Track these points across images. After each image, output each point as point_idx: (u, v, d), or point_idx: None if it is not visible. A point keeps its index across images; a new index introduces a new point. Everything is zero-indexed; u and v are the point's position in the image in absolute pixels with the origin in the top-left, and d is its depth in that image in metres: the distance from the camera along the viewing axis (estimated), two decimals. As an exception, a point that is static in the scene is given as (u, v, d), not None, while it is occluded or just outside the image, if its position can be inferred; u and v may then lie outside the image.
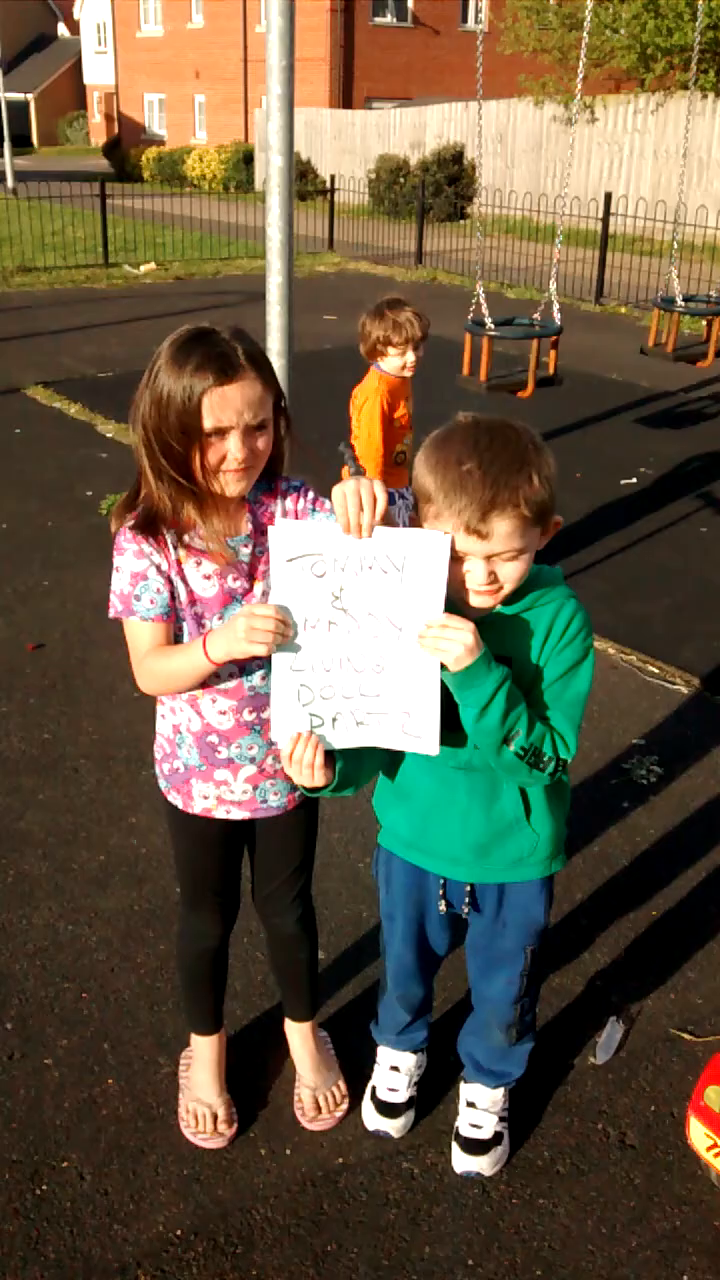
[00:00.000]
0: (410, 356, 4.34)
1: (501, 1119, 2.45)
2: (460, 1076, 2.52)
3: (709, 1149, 2.26)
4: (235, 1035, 2.71)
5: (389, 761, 2.09)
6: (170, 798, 2.27)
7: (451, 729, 1.87)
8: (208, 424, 1.88)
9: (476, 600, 1.85)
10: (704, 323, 7.71)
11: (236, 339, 1.90)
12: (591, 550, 5.76)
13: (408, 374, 4.39)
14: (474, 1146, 2.40)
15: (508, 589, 1.85)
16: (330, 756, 1.91)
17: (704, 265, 13.20)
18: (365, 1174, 2.41)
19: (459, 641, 1.76)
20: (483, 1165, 2.39)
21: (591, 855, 3.43)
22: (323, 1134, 2.49)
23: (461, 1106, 2.47)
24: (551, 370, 6.66)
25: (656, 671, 4.55)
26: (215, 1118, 2.46)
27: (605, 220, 13.58)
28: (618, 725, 4.11)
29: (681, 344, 7.71)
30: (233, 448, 1.91)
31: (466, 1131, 2.42)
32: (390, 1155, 2.44)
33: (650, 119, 19.40)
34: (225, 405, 1.87)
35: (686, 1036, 2.76)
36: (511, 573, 1.83)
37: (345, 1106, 2.54)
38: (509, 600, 1.87)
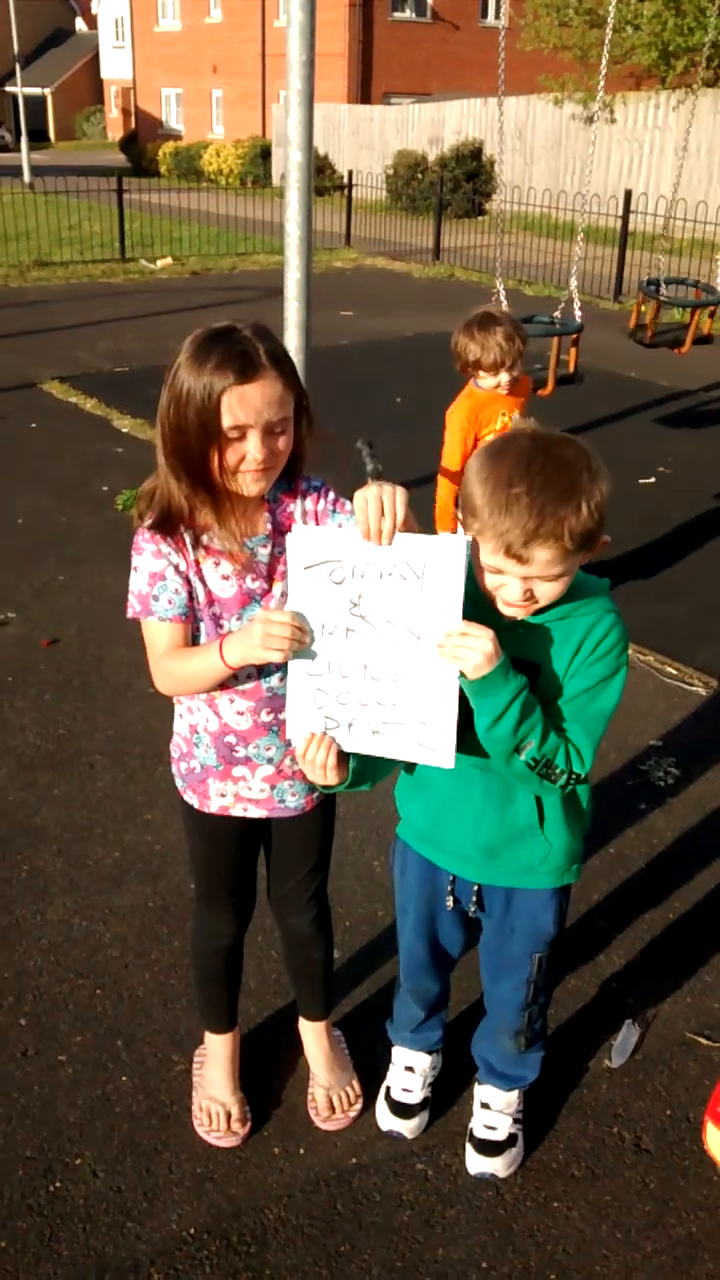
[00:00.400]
0: (504, 377, 4.15)
1: (516, 1120, 2.44)
2: (475, 1078, 2.51)
3: (726, 1155, 2.25)
4: (249, 1033, 2.70)
5: None
6: (186, 797, 2.26)
7: (469, 728, 1.86)
8: (227, 423, 1.86)
9: (509, 611, 1.84)
10: (689, 310, 7.73)
11: (259, 337, 1.89)
12: (608, 550, 5.72)
13: (503, 392, 4.21)
14: (488, 1148, 2.39)
15: (542, 604, 1.83)
16: (344, 755, 1.90)
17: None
18: (379, 1174, 2.40)
19: (478, 650, 1.73)
20: (497, 1166, 2.38)
21: (608, 857, 3.41)
22: (336, 1134, 2.48)
23: (476, 1108, 2.46)
24: (572, 368, 6.62)
25: (675, 673, 4.52)
26: (229, 1116, 2.46)
27: (625, 218, 13.53)
28: (635, 726, 4.09)
29: (663, 330, 7.72)
30: (252, 448, 1.89)
31: (481, 1133, 2.41)
32: (404, 1156, 2.43)
33: (671, 116, 19.30)
34: (245, 404, 1.86)
35: (703, 1041, 2.74)
36: (548, 592, 1.82)
37: (359, 1106, 2.53)
38: (545, 607, 1.86)
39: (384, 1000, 2.83)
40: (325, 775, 1.89)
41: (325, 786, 1.95)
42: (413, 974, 2.40)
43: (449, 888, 2.18)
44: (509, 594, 1.80)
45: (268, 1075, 2.62)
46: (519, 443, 1.79)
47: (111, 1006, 2.80)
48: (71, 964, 2.93)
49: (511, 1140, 2.41)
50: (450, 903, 2.18)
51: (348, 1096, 2.53)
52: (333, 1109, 2.50)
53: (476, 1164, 2.39)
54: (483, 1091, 2.46)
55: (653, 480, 6.95)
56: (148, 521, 2.00)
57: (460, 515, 1.86)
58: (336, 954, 2.70)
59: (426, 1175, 2.40)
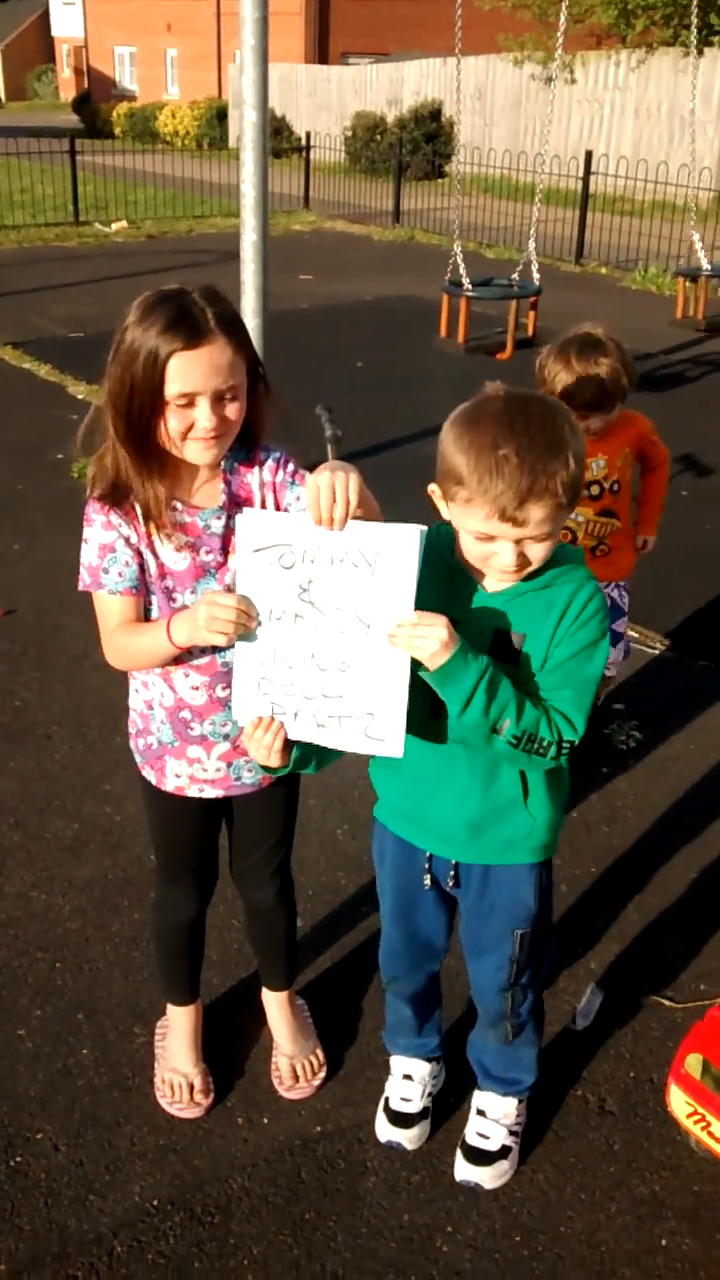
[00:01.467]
0: (595, 422, 3.17)
1: (512, 1133, 2.34)
2: (476, 1085, 2.41)
3: (689, 1116, 2.26)
4: (211, 1004, 2.68)
5: None
6: (144, 773, 2.22)
7: (439, 712, 1.82)
8: (173, 390, 1.81)
9: (501, 579, 1.80)
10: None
11: (208, 300, 1.83)
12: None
13: (591, 437, 3.18)
14: (478, 1156, 2.30)
15: (534, 566, 1.80)
16: (289, 739, 1.85)
17: (684, 226, 13.08)
18: (344, 1142, 2.39)
19: (434, 638, 1.69)
20: (483, 1177, 2.28)
21: (570, 821, 3.40)
22: (300, 1102, 2.47)
23: (471, 1114, 2.37)
24: (531, 331, 6.59)
25: (636, 635, 4.52)
26: (191, 1087, 2.44)
27: (585, 179, 13.43)
28: (598, 689, 4.08)
29: (710, 312, 7.45)
30: (201, 415, 1.84)
31: (472, 1140, 2.32)
32: (368, 1123, 2.42)
33: (631, 76, 19.16)
34: (192, 370, 1.80)
35: (666, 1003, 2.75)
36: (539, 553, 1.78)
37: (323, 1075, 2.51)
38: (527, 576, 1.82)
39: (346, 968, 2.82)
40: (268, 756, 1.84)
41: (267, 768, 1.90)
42: (392, 963, 2.30)
43: (425, 865, 2.10)
44: (503, 560, 1.76)
45: (230, 1045, 2.60)
46: (493, 405, 1.74)
47: (72, 979, 2.77)
48: (31, 937, 2.89)
49: (504, 1152, 2.30)
50: (427, 881, 2.11)
51: (311, 1065, 2.51)
52: (296, 1078, 2.49)
53: (463, 1171, 2.29)
54: (480, 1098, 2.37)
55: (614, 444, 6.92)
56: (97, 491, 1.95)
57: (439, 489, 1.80)
58: (299, 922, 2.67)
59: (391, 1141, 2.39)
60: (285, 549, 1.73)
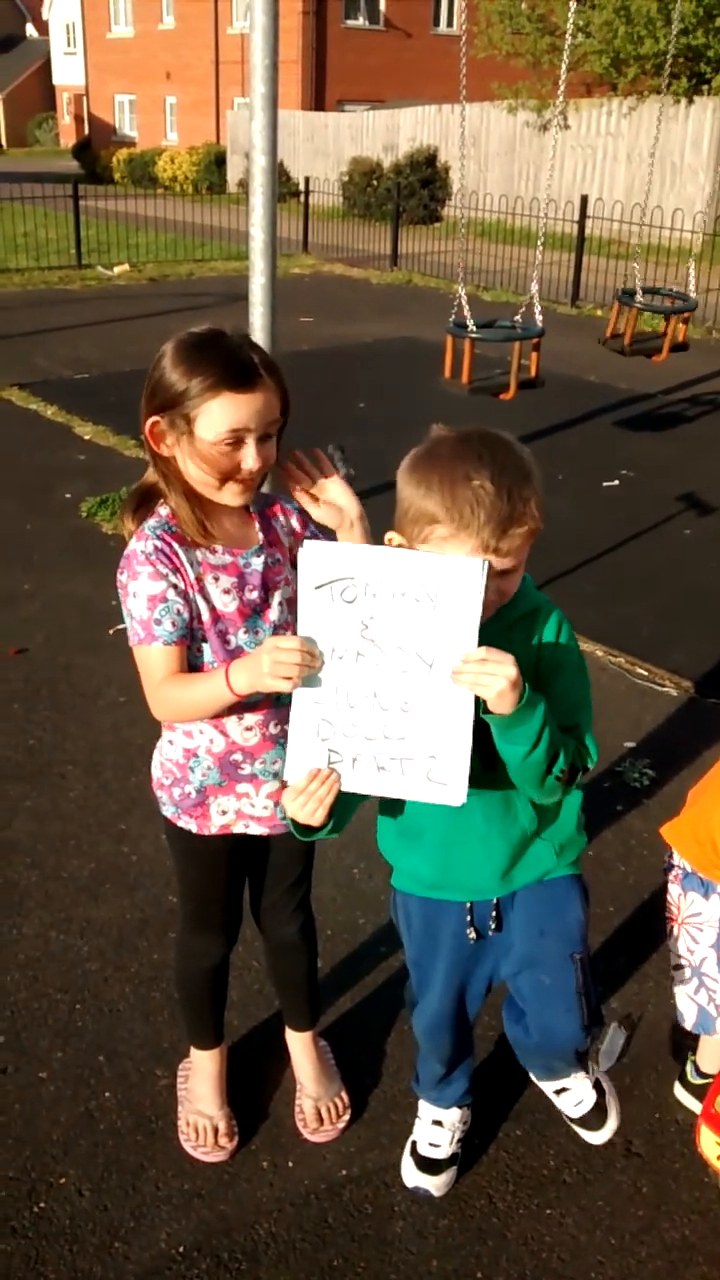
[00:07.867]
0: None
1: (596, 1083, 2.28)
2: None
3: (720, 1157, 2.24)
4: (233, 1046, 2.66)
5: (389, 800, 1.95)
6: (181, 823, 2.17)
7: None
8: (221, 429, 1.84)
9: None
10: (662, 317, 7.75)
11: (251, 346, 1.89)
12: (575, 553, 5.74)
13: None
14: (591, 1120, 2.27)
15: (507, 598, 1.79)
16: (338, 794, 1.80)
17: (677, 268, 13.25)
18: (370, 1186, 2.37)
19: (503, 675, 1.64)
20: (611, 1128, 2.28)
21: (586, 859, 3.37)
22: (325, 1145, 2.45)
23: (556, 1099, 2.29)
24: (534, 372, 6.65)
25: (645, 674, 4.54)
26: (216, 1131, 2.42)
27: (581, 223, 13.61)
28: (609, 728, 4.09)
29: (640, 338, 7.74)
30: (248, 456, 1.87)
31: (573, 1112, 2.27)
32: (394, 1166, 2.40)
33: (623, 123, 19.47)
34: (244, 409, 1.84)
35: (689, 1040, 2.74)
36: (510, 586, 1.77)
37: (347, 1117, 2.49)
38: (506, 607, 1.81)
39: (368, 1009, 2.81)
40: (314, 813, 1.77)
41: (303, 831, 1.84)
42: (433, 1033, 2.19)
43: (468, 919, 2.05)
44: (486, 594, 1.74)
45: (253, 1088, 2.58)
46: (449, 443, 1.74)
47: (92, 1021, 2.75)
48: (50, 978, 2.87)
49: (602, 1096, 2.26)
50: (472, 935, 2.05)
51: (336, 1107, 2.49)
52: (321, 1120, 2.47)
53: (595, 1137, 2.28)
54: (557, 1082, 2.26)
55: (616, 483, 6.99)
56: (150, 544, 1.92)
57: (399, 536, 1.78)
58: (318, 963, 2.66)
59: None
60: (348, 582, 1.69)
